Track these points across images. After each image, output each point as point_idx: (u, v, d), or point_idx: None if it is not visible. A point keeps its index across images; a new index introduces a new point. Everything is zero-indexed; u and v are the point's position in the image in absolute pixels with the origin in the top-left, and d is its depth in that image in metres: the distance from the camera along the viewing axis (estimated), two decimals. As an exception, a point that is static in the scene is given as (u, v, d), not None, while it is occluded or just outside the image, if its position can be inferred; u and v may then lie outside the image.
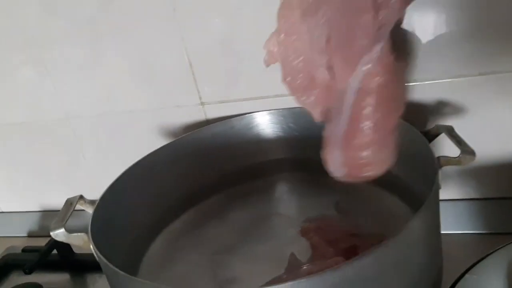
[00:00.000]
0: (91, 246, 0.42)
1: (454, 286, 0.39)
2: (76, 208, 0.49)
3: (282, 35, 0.38)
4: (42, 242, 0.68)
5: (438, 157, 0.42)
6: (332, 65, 0.36)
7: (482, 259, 0.41)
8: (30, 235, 0.79)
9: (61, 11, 0.63)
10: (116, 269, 0.38)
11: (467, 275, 0.39)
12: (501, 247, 0.41)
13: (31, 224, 0.80)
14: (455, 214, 0.57)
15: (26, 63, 0.69)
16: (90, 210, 0.48)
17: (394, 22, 0.33)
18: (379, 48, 0.32)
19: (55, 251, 0.67)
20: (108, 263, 0.38)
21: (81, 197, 0.50)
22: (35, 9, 0.64)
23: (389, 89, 0.34)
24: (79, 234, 0.44)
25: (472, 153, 0.42)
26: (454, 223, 0.56)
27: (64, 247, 0.67)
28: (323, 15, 0.34)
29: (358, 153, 0.36)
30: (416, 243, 0.37)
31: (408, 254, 0.36)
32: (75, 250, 0.68)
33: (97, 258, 0.41)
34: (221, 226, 0.53)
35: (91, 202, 0.49)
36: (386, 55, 0.33)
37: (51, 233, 0.44)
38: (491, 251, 0.41)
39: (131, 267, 0.48)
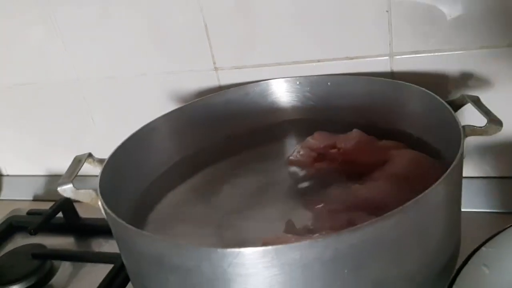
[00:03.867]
0: (99, 202, 0.41)
1: (470, 258, 0.37)
2: (83, 170, 0.47)
3: None
4: (47, 206, 0.67)
5: (463, 126, 0.40)
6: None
7: (499, 232, 0.39)
8: (36, 198, 0.79)
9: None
10: (124, 223, 0.36)
11: (483, 248, 0.38)
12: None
13: (37, 188, 0.79)
14: (473, 192, 0.55)
15: (37, 23, 0.67)
16: (98, 168, 0.47)
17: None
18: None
19: (60, 215, 0.66)
20: (116, 217, 0.37)
21: (90, 155, 0.48)
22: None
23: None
24: (87, 190, 0.43)
25: (499, 123, 0.40)
26: (471, 201, 0.54)
27: (69, 211, 0.66)
28: None
29: None
30: (436, 210, 0.35)
31: (427, 220, 0.34)
32: (80, 214, 0.67)
33: (104, 214, 0.40)
34: (231, 189, 0.51)
35: (100, 160, 0.48)
36: None
37: (58, 189, 0.43)
38: (509, 225, 0.40)
39: (137, 226, 0.46)
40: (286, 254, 0.30)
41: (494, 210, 0.54)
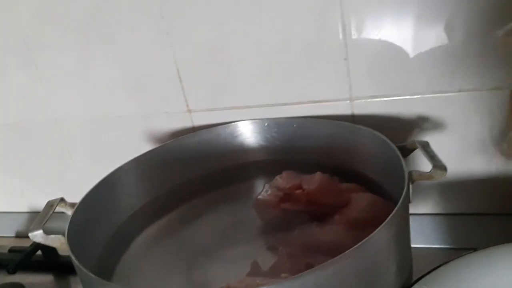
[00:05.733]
0: (67, 248, 0.43)
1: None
2: (57, 211, 0.50)
3: None
4: (29, 243, 0.69)
5: (410, 172, 0.43)
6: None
7: (432, 270, 0.41)
8: (18, 235, 0.80)
9: (53, 18, 0.64)
10: (88, 272, 0.38)
11: (416, 285, 0.40)
12: (454, 259, 0.42)
13: (19, 224, 0.81)
14: (426, 228, 0.58)
15: (19, 67, 0.70)
16: (70, 212, 0.49)
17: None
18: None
19: (40, 253, 0.68)
20: (81, 266, 0.39)
21: (62, 199, 0.51)
22: (28, 14, 0.65)
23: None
24: (56, 236, 0.45)
25: (443, 168, 0.43)
26: (423, 237, 0.57)
27: (49, 249, 0.67)
28: None
29: None
30: (379, 255, 0.37)
31: (369, 265, 0.36)
32: (60, 252, 0.69)
33: (72, 261, 0.42)
34: (200, 229, 0.54)
35: (72, 204, 0.50)
36: None
37: (29, 234, 0.45)
38: (443, 262, 0.42)
39: (108, 268, 0.48)
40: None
41: (444, 246, 0.56)
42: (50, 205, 0.49)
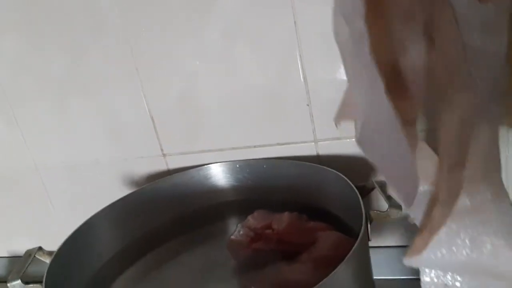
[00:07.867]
0: (45, 298, 0.45)
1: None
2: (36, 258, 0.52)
3: None
4: None
5: (368, 211, 0.46)
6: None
7: None
8: (-2, 280, 0.81)
9: (32, 70, 0.67)
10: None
11: None
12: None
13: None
14: (393, 260, 0.61)
15: (-2, 117, 0.72)
16: (48, 260, 0.51)
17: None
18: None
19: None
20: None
21: (40, 248, 0.52)
22: (7, 66, 0.68)
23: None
24: (34, 285, 0.47)
25: (399, 207, 0.46)
26: (389, 269, 0.60)
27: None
28: None
29: None
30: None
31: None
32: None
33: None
34: (176, 271, 0.56)
35: (49, 253, 0.52)
36: None
37: (8, 284, 0.47)
38: None
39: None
40: None
41: (409, 277, 0.60)
42: (28, 254, 0.51)
